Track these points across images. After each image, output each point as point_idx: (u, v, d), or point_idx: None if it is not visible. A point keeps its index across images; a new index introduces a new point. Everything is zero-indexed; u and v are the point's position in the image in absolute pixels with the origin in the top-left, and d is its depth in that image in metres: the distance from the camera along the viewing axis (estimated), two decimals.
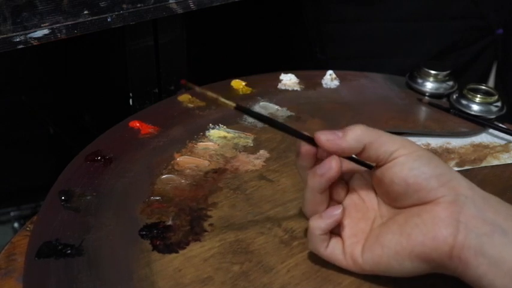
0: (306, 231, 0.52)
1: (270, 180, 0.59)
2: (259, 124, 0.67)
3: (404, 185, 0.45)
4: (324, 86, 0.76)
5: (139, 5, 0.73)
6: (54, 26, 0.68)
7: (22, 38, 0.66)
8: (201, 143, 0.63)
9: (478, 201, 0.44)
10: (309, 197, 0.48)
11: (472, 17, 1.00)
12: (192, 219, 0.53)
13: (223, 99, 0.45)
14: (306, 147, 0.47)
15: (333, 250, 0.48)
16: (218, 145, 0.63)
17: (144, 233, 0.51)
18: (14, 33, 0.65)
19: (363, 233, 0.48)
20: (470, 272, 0.43)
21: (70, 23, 0.69)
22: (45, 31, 0.67)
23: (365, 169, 0.50)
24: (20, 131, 1.15)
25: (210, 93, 0.45)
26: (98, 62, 0.93)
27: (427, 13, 0.99)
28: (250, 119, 0.68)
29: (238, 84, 0.75)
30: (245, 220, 0.53)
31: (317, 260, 0.49)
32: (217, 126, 0.66)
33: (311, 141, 0.47)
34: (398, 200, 0.46)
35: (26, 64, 1.10)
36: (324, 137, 0.46)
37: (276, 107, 0.71)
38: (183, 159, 0.61)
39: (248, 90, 0.74)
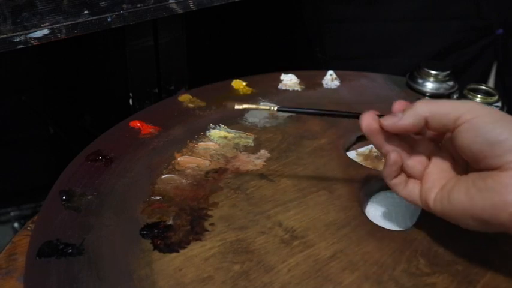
0: (307, 230, 0.52)
1: (271, 180, 0.59)
2: (260, 124, 0.67)
3: (470, 153, 0.45)
4: (324, 86, 0.76)
5: (139, 5, 0.73)
6: (54, 26, 0.68)
7: (22, 38, 0.66)
8: (201, 143, 0.63)
9: None
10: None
11: (472, 17, 1.00)
12: (192, 218, 0.53)
13: (263, 106, 0.52)
14: (366, 123, 0.50)
15: (411, 191, 0.50)
16: (219, 145, 0.63)
17: (144, 232, 0.52)
18: (14, 33, 0.66)
19: (440, 181, 0.49)
20: None
21: (70, 23, 0.69)
22: (45, 31, 0.67)
23: None
24: (20, 131, 1.14)
25: (247, 106, 0.51)
26: (98, 62, 0.93)
27: (427, 13, 0.99)
28: (250, 119, 0.68)
29: (238, 84, 0.75)
30: (246, 220, 0.53)
31: (317, 259, 0.49)
32: (218, 126, 0.66)
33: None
34: (472, 165, 0.47)
35: (26, 64, 1.10)
36: (386, 122, 0.49)
37: (277, 107, 0.71)
38: (183, 159, 0.61)
39: (249, 90, 0.74)
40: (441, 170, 0.50)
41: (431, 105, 0.47)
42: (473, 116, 0.45)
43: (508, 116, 0.46)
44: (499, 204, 0.43)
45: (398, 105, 0.50)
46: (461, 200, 0.46)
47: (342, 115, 0.52)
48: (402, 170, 0.50)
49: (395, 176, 0.50)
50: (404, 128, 0.48)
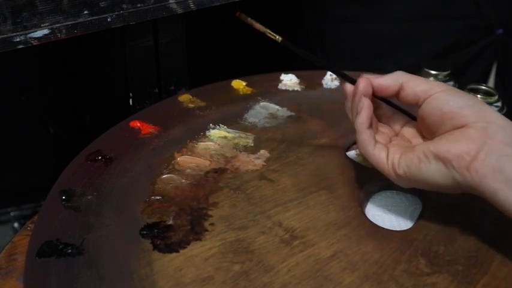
0: (307, 230, 0.52)
1: (271, 180, 0.59)
2: (260, 124, 0.67)
3: (440, 115, 0.50)
4: (324, 86, 0.76)
5: (139, 5, 0.73)
6: (54, 26, 0.68)
7: (22, 38, 0.66)
8: (201, 143, 0.63)
9: (508, 130, 0.47)
10: (354, 121, 0.53)
11: (472, 17, 1.00)
12: (192, 218, 0.53)
13: (270, 32, 0.53)
14: (349, 86, 0.54)
15: (379, 152, 0.52)
16: (219, 145, 0.63)
17: (144, 232, 0.52)
18: (14, 33, 0.66)
19: (404, 146, 0.52)
20: (487, 186, 0.46)
21: (70, 23, 0.69)
22: (45, 31, 0.67)
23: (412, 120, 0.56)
24: (20, 131, 1.14)
25: (259, 25, 0.52)
26: (98, 62, 0.93)
27: (427, 13, 0.99)
28: (250, 119, 0.68)
29: (238, 84, 0.75)
30: (246, 220, 0.53)
31: (317, 259, 0.49)
32: (218, 126, 0.66)
33: (354, 82, 0.54)
34: (437, 131, 0.50)
35: (26, 64, 1.10)
36: (365, 76, 0.53)
37: (277, 107, 0.71)
38: (183, 159, 0.61)
39: (248, 90, 0.74)
40: (407, 140, 0.54)
41: (408, 74, 0.53)
42: (444, 89, 0.51)
43: (470, 95, 0.51)
44: (462, 148, 0.46)
45: (348, 86, 0.55)
46: (427, 145, 0.49)
47: (340, 75, 0.56)
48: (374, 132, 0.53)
49: (367, 127, 0.52)
50: (380, 84, 0.53)
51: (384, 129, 0.55)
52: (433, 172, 0.48)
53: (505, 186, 0.45)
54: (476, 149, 0.46)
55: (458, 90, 0.51)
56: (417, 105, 0.52)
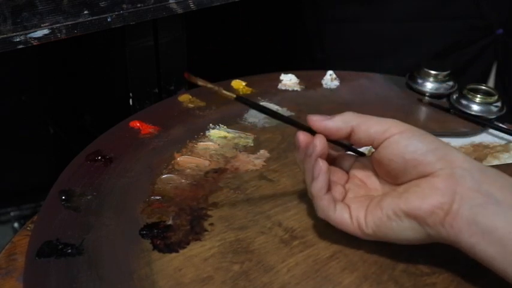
0: (307, 230, 0.52)
1: (270, 180, 0.59)
2: (260, 124, 0.67)
3: (402, 162, 0.47)
4: (324, 86, 0.76)
5: (139, 5, 0.73)
6: (54, 26, 0.68)
7: (22, 38, 0.66)
8: (201, 143, 0.63)
9: (475, 173, 0.45)
10: (309, 184, 0.49)
11: (472, 17, 1.00)
12: (192, 218, 0.53)
13: (224, 91, 0.48)
14: (302, 136, 0.50)
15: (342, 214, 0.49)
16: (218, 145, 0.63)
17: (144, 232, 0.52)
18: (14, 33, 0.66)
19: (366, 200, 0.49)
20: (463, 240, 0.44)
21: (70, 23, 0.69)
22: (45, 31, 0.67)
23: (363, 157, 0.53)
24: (20, 131, 1.14)
25: (210, 85, 0.47)
26: (98, 62, 0.93)
27: (427, 13, 0.99)
28: (250, 119, 0.68)
29: (238, 84, 0.75)
30: (245, 220, 0.53)
31: (317, 259, 0.49)
32: (218, 126, 0.66)
33: (308, 130, 0.50)
34: (399, 177, 0.48)
35: (26, 64, 1.10)
36: (315, 118, 0.49)
37: (276, 107, 0.71)
38: (183, 159, 0.61)
39: (248, 90, 0.74)
40: (361, 195, 0.50)
41: (360, 116, 0.49)
42: (401, 130, 0.47)
43: (427, 133, 0.48)
44: (435, 203, 0.44)
45: (301, 135, 0.50)
46: (396, 203, 0.46)
47: (292, 124, 0.52)
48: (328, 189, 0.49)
49: (325, 193, 0.48)
50: (329, 128, 0.49)
51: (335, 175, 0.51)
52: (405, 229, 0.46)
53: (482, 240, 0.43)
54: (448, 202, 0.44)
55: (416, 130, 0.48)
56: (372, 146, 0.49)
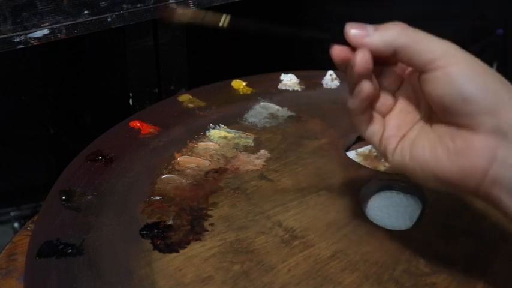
0: (307, 230, 0.52)
1: (271, 180, 0.59)
2: (260, 124, 0.67)
3: (440, 105, 0.40)
4: (324, 86, 0.76)
5: (139, 5, 0.73)
6: (54, 26, 0.68)
7: (22, 38, 0.66)
8: (201, 143, 0.63)
9: None
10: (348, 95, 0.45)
11: (472, 17, 1.00)
12: (192, 218, 0.53)
13: (212, 15, 0.43)
14: (338, 50, 0.43)
15: (372, 135, 0.44)
16: (219, 145, 0.63)
17: (144, 232, 0.52)
18: (14, 33, 0.66)
19: (403, 128, 0.43)
20: (503, 208, 0.38)
21: (70, 23, 0.69)
22: (45, 31, 0.67)
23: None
24: (20, 131, 1.15)
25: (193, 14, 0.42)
26: (98, 62, 0.93)
27: (427, 13, 0.99)
28: (250, 119, 0.68)
29: (238, 84, 0.75)
30: (246, 220, 0.53)
31: (317, 259, 0.49)
32: (218, 126, 0.66)
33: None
34: (440, 115, 0.41)
35: (26, 64, 1.10)
36: (353, 30, 0.42)
37: (277, 107, 0.71)
38: (183, 159, 0.61)
39: (249, 90, 0.74)
40: (405, 113, 0.44)
41: (406, 36, 0.40)
42: (450, 63, 0.39)
43: (489, 70, 0.39)
44: (467, 169, 0.38)
45: (336, 49, 0.44)
46: (426, 157, 0.40)
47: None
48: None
49: (362, 112, 0.44)
50: (367, 47, 0.42)
51: (386, 80, 0.45)
52: (432, 185, 0.41)
53: None
54: (483, 168, 0.38)
55: (468, 65, 0.39)
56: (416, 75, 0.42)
